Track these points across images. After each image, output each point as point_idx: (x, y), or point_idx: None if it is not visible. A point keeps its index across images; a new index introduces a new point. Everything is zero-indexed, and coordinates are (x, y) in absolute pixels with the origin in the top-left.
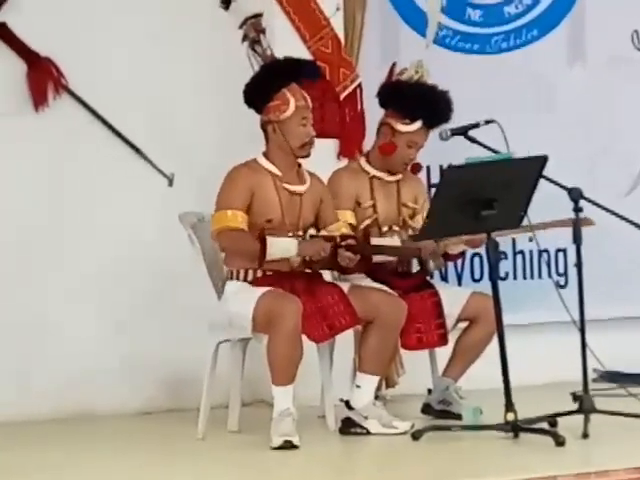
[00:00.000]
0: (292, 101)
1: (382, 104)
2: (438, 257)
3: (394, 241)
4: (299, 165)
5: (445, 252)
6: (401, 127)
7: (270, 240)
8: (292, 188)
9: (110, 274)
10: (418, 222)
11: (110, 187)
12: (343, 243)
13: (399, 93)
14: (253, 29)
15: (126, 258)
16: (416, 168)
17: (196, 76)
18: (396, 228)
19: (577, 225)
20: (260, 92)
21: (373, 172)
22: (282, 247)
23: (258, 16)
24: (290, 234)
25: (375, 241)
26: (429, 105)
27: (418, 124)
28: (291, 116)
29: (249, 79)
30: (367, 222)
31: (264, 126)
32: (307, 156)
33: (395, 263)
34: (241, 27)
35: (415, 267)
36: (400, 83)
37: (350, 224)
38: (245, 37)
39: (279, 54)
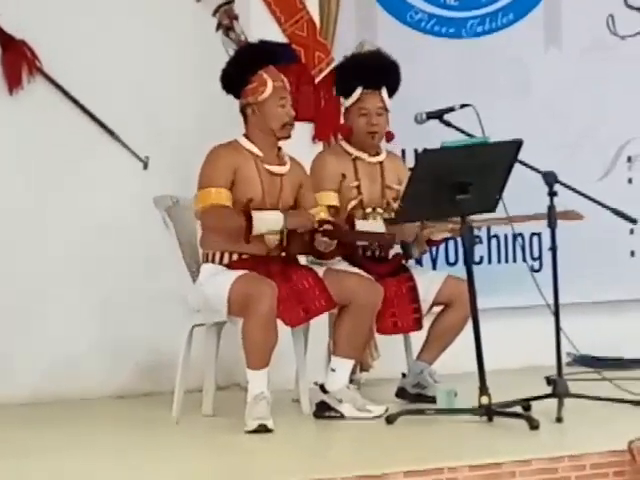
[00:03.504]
0: (269, 82)
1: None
2: (422, 243)
3: (376, 224)
4: (279, 147)
5: (428, 238)
6: (346, 102)
7: (256, 215)
8: (273, 169)
9: (85, 258)
10: None
11: (85, 170)
12: (320, 228)
13: (334, 77)
14: (226, 16)
15: (100, 242)
16: (388, 137)
17: (173, 58)
18: (379, 210)
19: (552, 210)
20: (237, 76)
21: (355, 153)
22: (269, 221)
23: (230, 2)
24: None
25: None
26: (358, 70)
27: (357, 92)
28: (269, 97)
29: (225, 64)
30: (353, 203)
31: (243, 109)
32: (288, 137)
33: (372, 248)
34: (214, 15)
35: (392, 252)
36: (333, 71)
37: (334, 206)
38: (219, 25)
39: (255, 38)
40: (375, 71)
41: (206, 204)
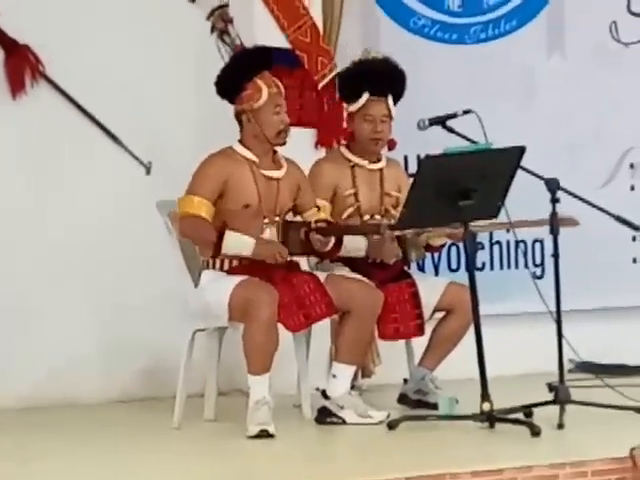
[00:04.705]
0: (264, 89)
1: (342, 100)
2: (419, 247)
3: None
4: (274, 151)
5: (427, 243)
6: (351, 108)
7: (228, 234)
8: (269, 174)
9: (87, 262)
10: None
11: (88, 175)
12: (314, 227)
13: (340, 82)
14: (220, 19)
15: (102, 246)
16: (390, 144)
17: (174, 63)
18: (377, 217)
19: (554, 216)
20: (232, 82)
21: (355, 160)
22: (238, 244)
23: (224, 6)
24: (266, 220)
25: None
26: (365, 75)
27: (364, 97)
28: (264, 104)
29: (220, 70)
30: (349, 211)
31: (238, 116)
32: (283, 144)
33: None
34: (208, 18)
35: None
36: (339, 74)
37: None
38: (213, 28)
39: (258, 43)
40: (383, 78)
41: (184, 211)
